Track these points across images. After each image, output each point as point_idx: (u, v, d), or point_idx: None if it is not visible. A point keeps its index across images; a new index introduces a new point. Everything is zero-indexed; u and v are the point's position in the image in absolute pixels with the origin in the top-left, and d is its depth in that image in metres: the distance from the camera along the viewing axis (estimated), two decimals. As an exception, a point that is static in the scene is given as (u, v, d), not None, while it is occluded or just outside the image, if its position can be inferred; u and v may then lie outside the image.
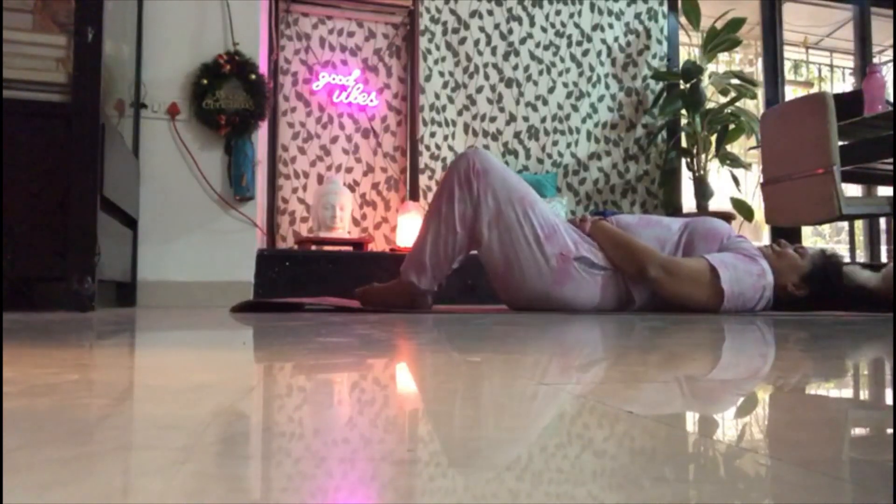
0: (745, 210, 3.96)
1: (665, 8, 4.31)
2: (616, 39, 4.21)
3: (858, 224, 4.94)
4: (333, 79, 3.74)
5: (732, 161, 3.95)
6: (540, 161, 4.03)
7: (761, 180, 3.30)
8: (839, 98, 2.93)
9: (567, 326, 1.38)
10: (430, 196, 3.80)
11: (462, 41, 3.93)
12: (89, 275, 1.97)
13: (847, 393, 0.61)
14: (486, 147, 3.94)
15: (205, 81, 2.88)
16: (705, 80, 3.98)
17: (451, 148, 3.87)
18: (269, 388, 0.58)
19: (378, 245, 3.73)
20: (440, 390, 0.57)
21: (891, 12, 4.83)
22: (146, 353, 0.89)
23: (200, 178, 2.91)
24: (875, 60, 5.12)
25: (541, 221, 1.99)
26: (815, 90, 5.55)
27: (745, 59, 5.57)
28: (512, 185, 2.01)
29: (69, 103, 2.03)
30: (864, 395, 0.60)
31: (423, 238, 2.00)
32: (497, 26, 4.00)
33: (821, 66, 5.85)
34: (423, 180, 3.80)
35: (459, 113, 3.91)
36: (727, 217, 3.77)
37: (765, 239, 4.99)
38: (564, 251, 1.99)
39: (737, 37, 3.97)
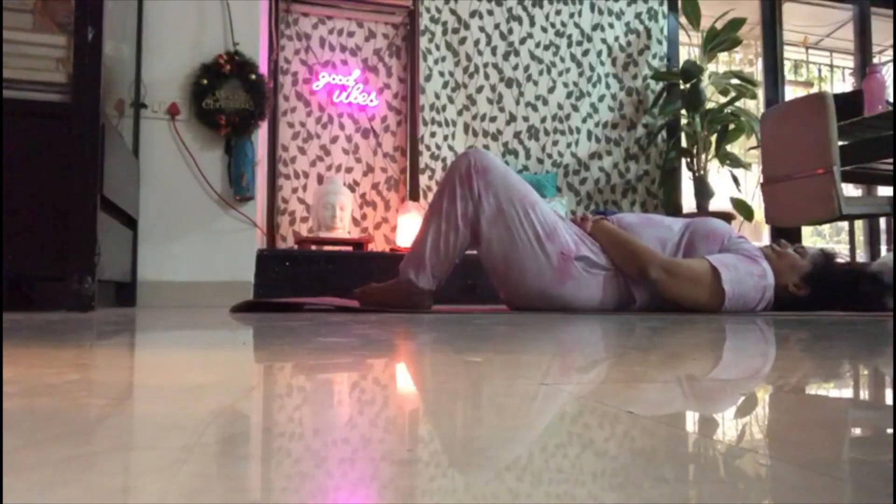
0: (745, 210, 3.96)
1: (665, 8, 4.31)
2: (616, 39, 4.21)
3: (858, 224, 4.94)
4: (333, 79, 3.74)
5: (732, 161, 3.95)
6: (540, 161, 4.03)
7: (761, 180, 3.30)
8: (839, 98, 2.93)
9: (567, 326, 1.38)
10: (430, 196, 3.80)
11: (462, 41, 3.93)
12: (89, 275, 1.97)
13: (847, 393, 0.61)
14: (486, 147, 3.94)
15: (205, 81, 2.88)
16: (705, 80, 3.98)
17: (451, 148, 3.87)
18: (269, 388, 0.58)
19: (378, 245, 3.73)
20: (440, 390, 0.57)
21: (891, 12, 4.83)
22: (146, 353, 0.89)
23: (200, 178, 2.91)
24: (875, 60, 5.12)
25: (542, 220, 2.00)
26: (815, 90, 5.54)
27: (745, 59, 5.57)
28: (513, 184, 2.02)
29: (69, 103, 2.03)
30: (863, 395, 0.60)
31: (424, 235, 2.01)
32: (497, 26, 4.00)
33: (821, 66, 5.85)
34: (423, 180, 3.80)
35: (459, 113, 3.91)
36: (727, 217, 3.77)
37: (765, 239, 4.99)
38: (565, 250, 1.99)
39: (737, 37, 3.97)
